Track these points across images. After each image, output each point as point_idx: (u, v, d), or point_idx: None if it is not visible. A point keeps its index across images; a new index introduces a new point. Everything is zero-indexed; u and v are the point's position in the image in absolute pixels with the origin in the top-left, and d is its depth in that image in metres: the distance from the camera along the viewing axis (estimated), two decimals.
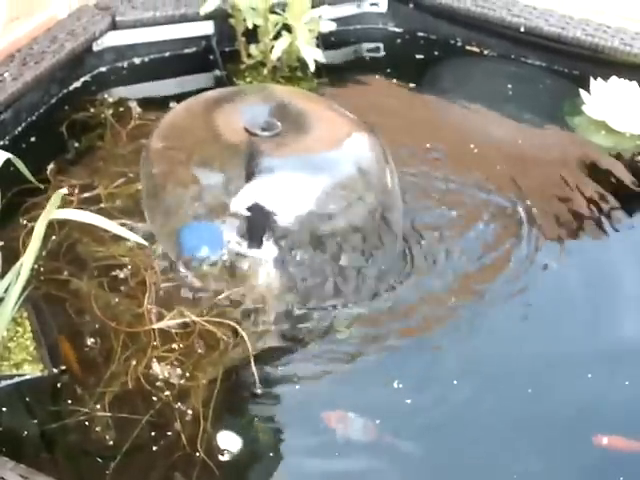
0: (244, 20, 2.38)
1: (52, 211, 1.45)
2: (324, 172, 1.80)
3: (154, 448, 1.49)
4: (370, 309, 1.78)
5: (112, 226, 1.54)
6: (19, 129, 2.15)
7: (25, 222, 1.86)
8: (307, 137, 1.82)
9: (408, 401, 1.61)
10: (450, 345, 1.72)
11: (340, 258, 1.80)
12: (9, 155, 1.47)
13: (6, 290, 1.53)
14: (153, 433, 1.51)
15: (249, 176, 1.77)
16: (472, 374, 1.67)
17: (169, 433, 1.51)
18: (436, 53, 2.60)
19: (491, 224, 2.00)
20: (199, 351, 1.65)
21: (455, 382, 1.65)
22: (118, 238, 1.77)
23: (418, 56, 2.59)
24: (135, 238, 1.60)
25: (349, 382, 1.66)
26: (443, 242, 1.93)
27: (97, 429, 1.51)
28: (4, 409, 1.55)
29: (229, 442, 1.53)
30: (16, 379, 1.57)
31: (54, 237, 1.82)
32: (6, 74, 2.11)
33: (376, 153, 1.87)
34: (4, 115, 2.09)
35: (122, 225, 1.64)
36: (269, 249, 1.76)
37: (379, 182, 1.86)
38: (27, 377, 1.58)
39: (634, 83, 2.33)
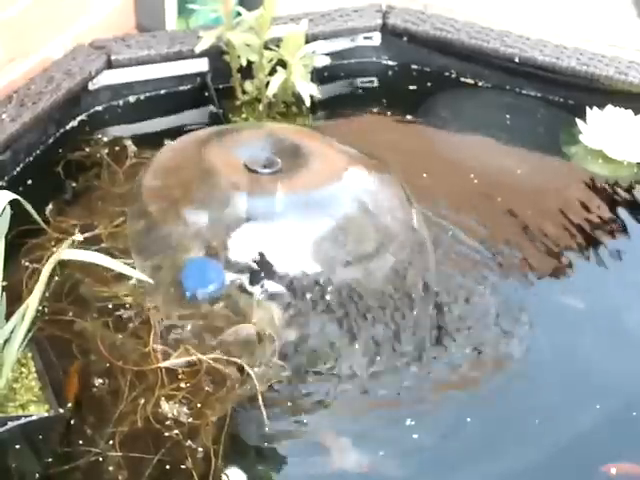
0: (238, 57, 2.39)
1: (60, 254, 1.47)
2: (328, 209, 1.80)
3: None
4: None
5: (117, 265, 1.54)
6: (17, 170, 2.14)
7: (27, 263, 1.85)
8: (309, 174, 1.81)
9: (415, 436, 1.61)
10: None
11: (346, 296, 1.79)
12: (15, 196, 1.47)
13: (12, 332, 1.52)
14: (165, 472, 1.50)
15: (251, 213, 1.77)
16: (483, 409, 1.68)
17: (181, 472, 1.50)
18: (431, 85, 2.60)
19: (499, 260, 2.01)
20: (206, 389, 1.64)
21: (468, 419, 1.65)
22: (120, 277, 1.77)
23: (413, 89, 2.59)
24: (140, 276, 1.59)
25: (359, 417, 1.65)
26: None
27: (109, 469, 1.50)
28: (12, 451, 1.53)
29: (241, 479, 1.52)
30: (22, 420, 1.56)
31: (57, 277, 1.81)
32: (4, 115, 2.11)
33: (387, 189, 1.87)
34: (3, 156, 2.09)
35: (125, 264, 1.64)
36: (272, 286, 1.75)
37: (388, 221, 1.86)
38: (33, 418, 1.56)
39: (630, 111, 2.35)
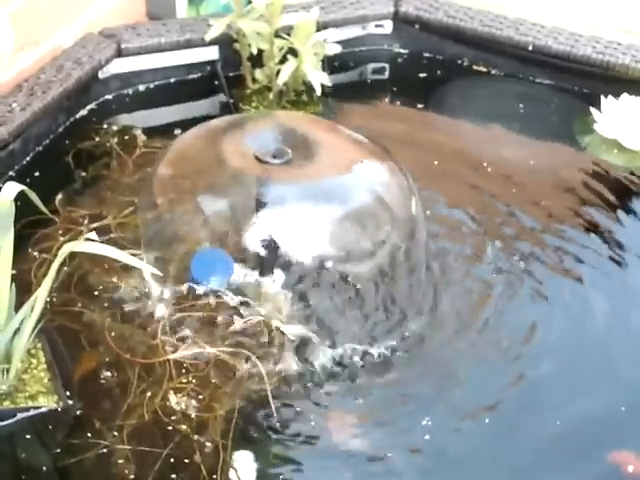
0: (249, 45, 2.37)
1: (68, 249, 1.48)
2: (339, 200, 1.78)
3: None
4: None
5: (125, 257, 1.53)
6: (27, 159, 2.14)
7: (36, 254, 1.85)
8: (320, 164, 1.80)
9: (427, 437, 1.60)
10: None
11: (355, 289, 1.78)
12: (23, 187, 1.47)
13: (21, 323, 1.52)
14: (173, 466, 1.49)
15: (261, 204, 1.76)
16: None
17: (189, 465, 1.50)
18: (443, 73, 2.58)
19: (517, 251, 1.99)
20: (215, 382, 1.64)
21: (487, 420, 1.63)
22: (130, 268, 1.76)
23: (424, 77, 2.57)
24: (148, 268, 1.58)
25: (370, 414, 1.64)
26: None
27: (118, 462, 1.49)
28: (21, 442, 1.53)
29: (249, 473, 1.51)
30: (32, 411, 1.56)
31: (65, 268, 1.80)
32: (14, 104, 2.10)
33: (396, 179, 1.85)
34: (12, 145, 2.08)
35: (133, 255, 1.63)
36: (282, 278, 1.74)
37: (399, 211, 1.84)
38: (43, 410, 1.56)
39: None
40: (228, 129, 1.93)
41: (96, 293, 1.79)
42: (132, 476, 1.48)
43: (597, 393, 1.69)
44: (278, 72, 2.33)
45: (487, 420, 1.63)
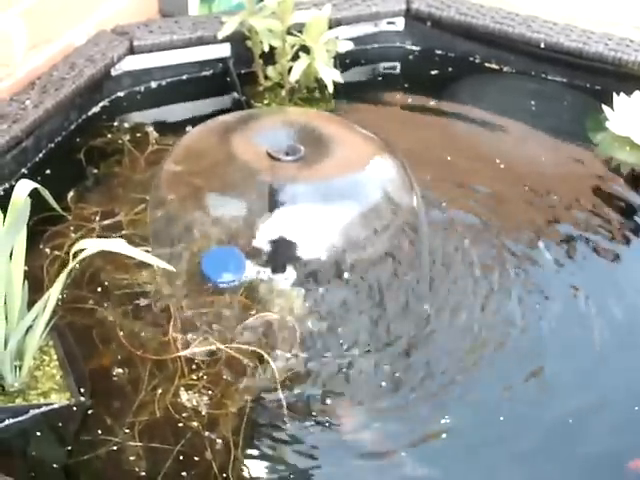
0: (261, 42, 2.38)
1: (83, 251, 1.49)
2: (352, 198, 1.78)
3: (186, 478, 1.48)
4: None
5: (138, 253, 1.53)
6: (39, 156, 2.14)
7: (47, 250, 1.86)
8: (332, 162, 1.79)
9: (443, 435, 1.59)
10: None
11: (367, 284, 1.79)
12: (36, 185, 1.47)
13: (34, 320, 1.52)
14: (184, 463, 1.49)
15: (273, 201, 1.76)
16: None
17: (200, 463, 1.50)
18: (454, 71, 2.58)
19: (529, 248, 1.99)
20: (226, 378, 1.64)
21: (502, 418, 1.63)
22: (141, 265, 1.77)
23: (436, 74, 2.57)
24: (161, 264, 1.58)
25: (383, 409, 1.64)
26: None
27: (129, 459, 1.49)
28: (33, 439, 1.54)
29: (261, 470, 1.51)
30: (44, 408, 1.56)
31: (77, 265, 1.79)
32: (27, 101, 2.11)
33: (402, 177, 1.85)
34: (25, 142, 2.08)
35: (145, 252, 1.63)
36: (293, 274, 1.75)
37: (407, 208, 1.85)
38: (55, 406, 1.56)
39: None
40: (239, 125, 1.93)
41: (107, 290, 1.80)
42: (143, 473, 1.48)
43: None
44: (290, 69, 2.34)
45: (501, 418, 1.63)
